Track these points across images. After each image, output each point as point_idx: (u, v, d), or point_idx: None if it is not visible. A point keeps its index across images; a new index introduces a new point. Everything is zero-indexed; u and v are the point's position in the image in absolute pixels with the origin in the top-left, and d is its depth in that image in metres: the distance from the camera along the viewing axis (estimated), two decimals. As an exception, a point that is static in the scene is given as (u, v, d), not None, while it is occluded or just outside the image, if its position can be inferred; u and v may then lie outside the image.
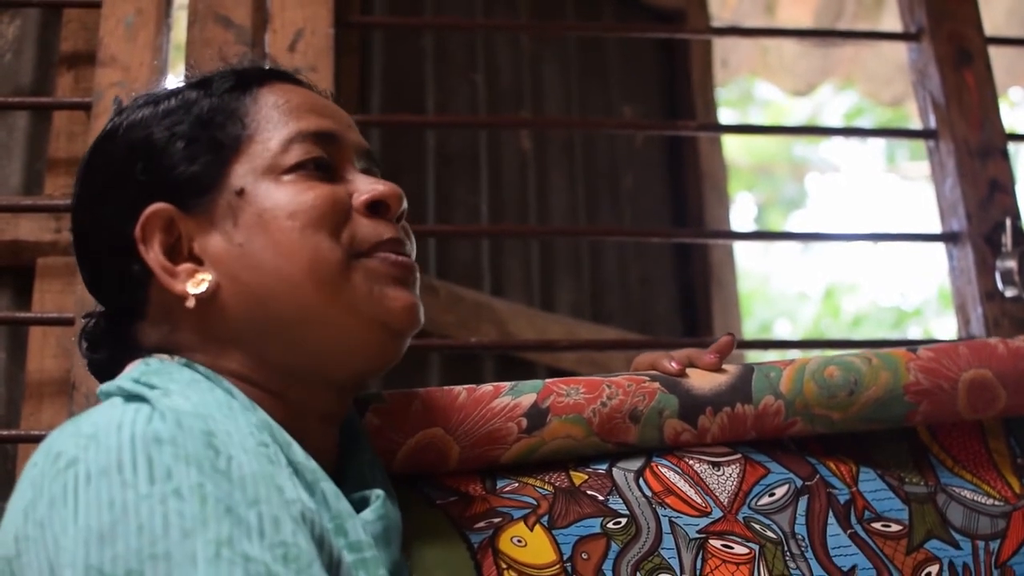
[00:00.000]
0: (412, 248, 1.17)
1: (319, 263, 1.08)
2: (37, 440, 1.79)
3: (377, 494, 1.08)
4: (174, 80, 1.84)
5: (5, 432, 1.88)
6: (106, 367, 1.16)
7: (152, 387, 1.01)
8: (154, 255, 1.09)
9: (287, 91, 1.18)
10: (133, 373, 1.05)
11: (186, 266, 1.09)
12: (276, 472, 0.95)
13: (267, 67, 1.24)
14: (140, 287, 1.12)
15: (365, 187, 1.14)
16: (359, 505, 1.07)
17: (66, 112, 2.07)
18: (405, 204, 1.16)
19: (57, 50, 2.16)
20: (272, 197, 1.09)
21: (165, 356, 1.10)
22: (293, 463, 1.00)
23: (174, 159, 1.11)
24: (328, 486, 1.01)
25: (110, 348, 1.16)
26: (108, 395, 1.05)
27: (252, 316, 1.09)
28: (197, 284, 1.08)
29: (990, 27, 2.39)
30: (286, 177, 1.11)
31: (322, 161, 1.13)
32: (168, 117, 1.13)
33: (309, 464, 1.01)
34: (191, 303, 1.08)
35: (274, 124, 1.13)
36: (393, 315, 1.10)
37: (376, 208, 1.13)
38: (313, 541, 0.92)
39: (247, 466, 0.91)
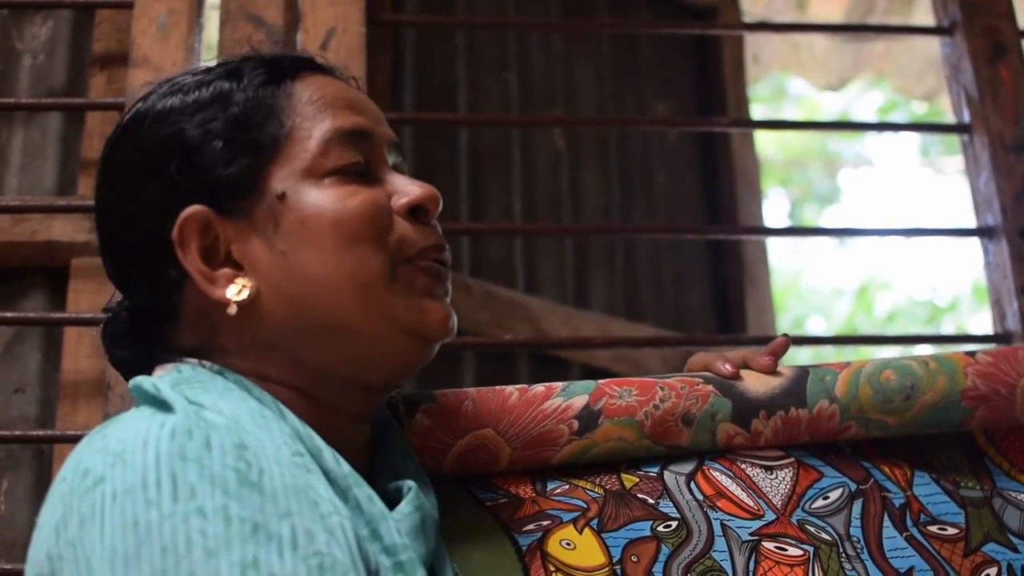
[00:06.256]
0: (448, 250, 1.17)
1: (364, 275, 1.07)
2: (72, 440, 1.80)
3: (409, 485, 1.08)
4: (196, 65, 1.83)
5: (41, 432, 1.89)
6: (132, 365, 1.14)
7: (187, 400, 0.99)
8: (192, 260, 1.07)
9: (320, 84, 1.15)
10: (167, 379, 1.04)
11: (225, 271, 1.08)
12: (312, 481, 0.94)
13: (295, 56, 1.20)
14: (175, 290, 1.10)
15: (403, 188, 1.13)
16: (394, 496, 1.07)
17: (99, 113, 2.08)
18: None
19: (89, 51, 2.17)
20: (315, 203, 1.08)
21: (195, 362, 1.08)
22: (324, 470, 0.99)
23: (211, 160, 1.08)
24: (360, 491, 1.00)
25: (136, 346, 1.15)
26: (140, 393, 1.03)
27: (293, 322, 1.08)
28: (239, 291, 1.07)
29: (1024, 20, 2.37)
30: (327, 180, 1.09)
31: (360, 166, 1.11)
32: (201, 112, 1.10)
33: (340, 470, 1.00)
34: (233, 310, 1.06)
35: (311, 122, 1.11)
36: (430, 327, 1.10)
37: (416, 212, 1.12)
38: (351, 549, 0.91)
39: (279, 478, 0.91)
